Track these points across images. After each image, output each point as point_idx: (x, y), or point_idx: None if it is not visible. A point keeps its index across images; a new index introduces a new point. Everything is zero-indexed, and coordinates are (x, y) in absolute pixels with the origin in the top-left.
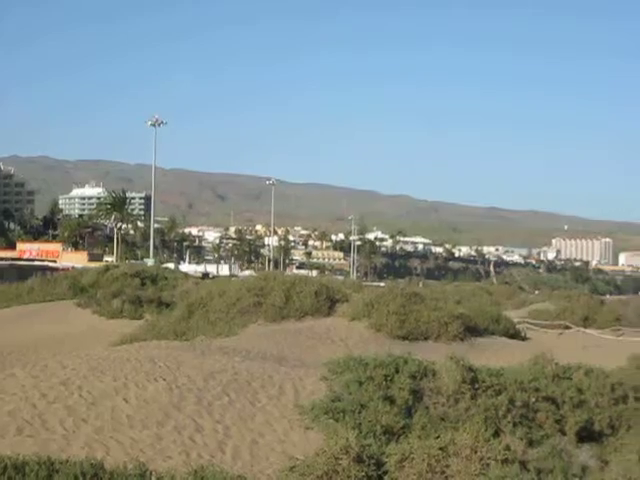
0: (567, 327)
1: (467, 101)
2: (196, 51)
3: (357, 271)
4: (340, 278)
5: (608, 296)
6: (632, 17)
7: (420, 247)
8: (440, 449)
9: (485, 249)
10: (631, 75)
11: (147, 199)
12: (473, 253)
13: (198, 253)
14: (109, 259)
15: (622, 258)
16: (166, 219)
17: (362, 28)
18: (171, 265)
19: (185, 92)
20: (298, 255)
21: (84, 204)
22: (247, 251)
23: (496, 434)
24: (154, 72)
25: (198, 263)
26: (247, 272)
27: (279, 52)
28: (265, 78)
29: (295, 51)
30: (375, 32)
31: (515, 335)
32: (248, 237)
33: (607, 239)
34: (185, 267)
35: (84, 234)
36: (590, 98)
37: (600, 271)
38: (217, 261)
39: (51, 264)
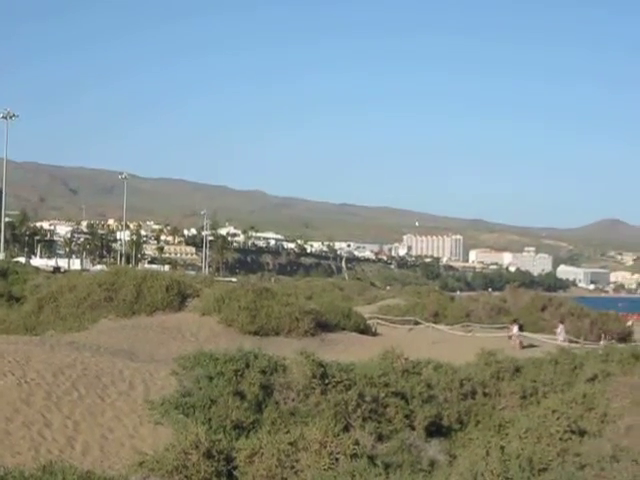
0: (417, 323)
1: (319, 93)
2: (50, 41)
3: (209, 266)
4: (192, 273)
5: (458, 292)
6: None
7: (272, 243)
8: (290, 444)
9: (337, 245)
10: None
11: None
12: (325, 249)
13: (50, 247)
14: None
15: (472, 255)
16: (17, 213)
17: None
18: (22, 259)
19: (36, 84)
20: (150, 250)
21: None
22: (99, 245)
23: (346, 429)
24: (5, 63)
25: (49, 257)
26: (99, 267)
27: (124, 44)
28: (115, 70)
29: (147, 48)
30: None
31: (366, 330)
32: (100, 231)
33: (458, 236)
34: (36, 261)
35: None
36: (445, 101)
37: (451, 267)
38: (69, 255)
39: None
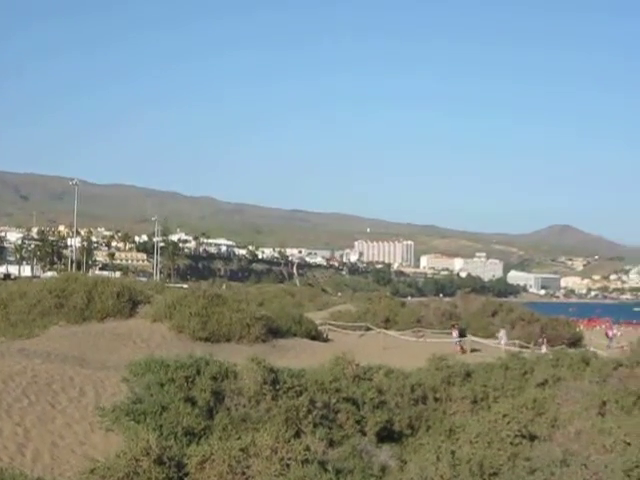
0: (368, 328)
1: (269, 101)
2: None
3: (160, 272)
4: (143, 280)
5: (409, 298)
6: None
7: (224, 249)
8: (241, 450)
9: (288, 251)
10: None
11: None
12: (276, 255)
13: (0, 254)
14: None
15: (423, 260)
16: None
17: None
18: None
19: None
20: (101, 256)
21: None
22: (50, 252)
23: (297, 435)
24: None
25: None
26: (49, 273)
27: (76, 48)
28: (66, 76)
29: (89, 48)
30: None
31: (317, 336)
32: (51, 238)
33: (409, 242)
34: None
35: None
36: (396, 106)
37: (402, 273)
38: (19, 262)
39: None
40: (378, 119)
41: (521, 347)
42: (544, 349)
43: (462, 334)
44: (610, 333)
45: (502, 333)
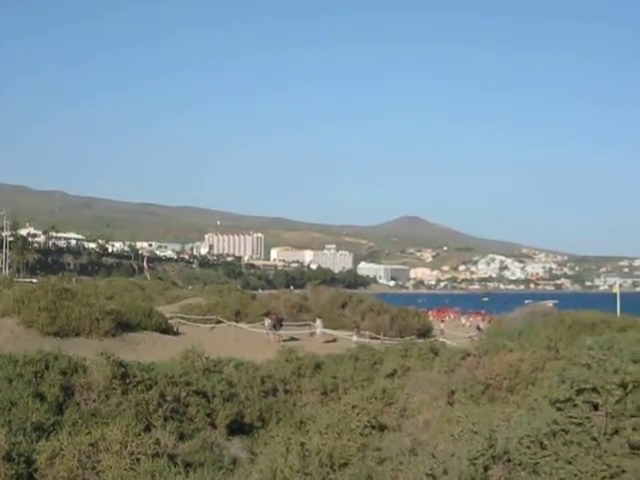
0: (219, 321)
1: (130, 99)
2: None
3: (9, 267)
4: None
5: (260, 290)
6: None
7: (73, 243)
8: (90, 445)
9: (138, 244)
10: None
11: None
12: (126, 249)
13: None
14: None
15: (274, 253)
16: None
17: None
18: None
19: None
20: None
21: None
22: None
23: (147, 429)
24: None
25: None
26: None
27: None
28: None
29: None
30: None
31: (167, 330)
32: None
33: (259, 234)
34: None
35: None
36: (242, 103)
37: (252, 266)
38: None
39: None
40: (228, 110)
41: (371, 338)
42: (355, 338)
43: (279, 323)
44: (481, 325)
45: (318, 322)
